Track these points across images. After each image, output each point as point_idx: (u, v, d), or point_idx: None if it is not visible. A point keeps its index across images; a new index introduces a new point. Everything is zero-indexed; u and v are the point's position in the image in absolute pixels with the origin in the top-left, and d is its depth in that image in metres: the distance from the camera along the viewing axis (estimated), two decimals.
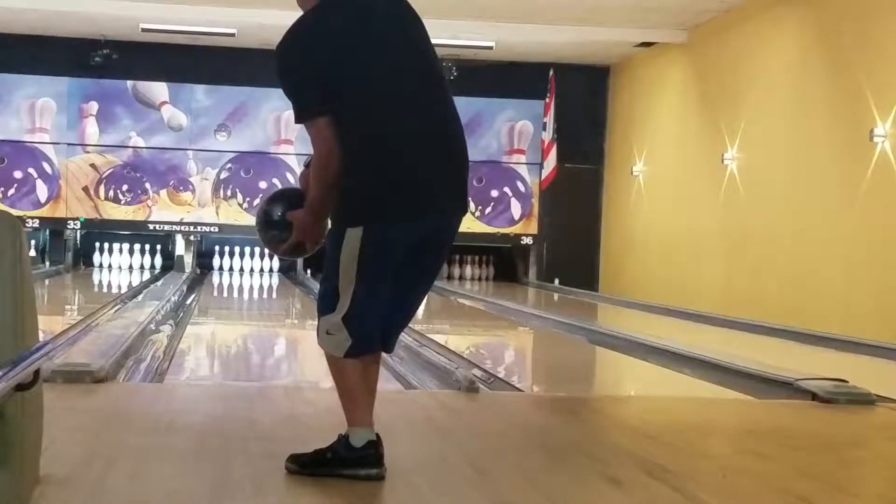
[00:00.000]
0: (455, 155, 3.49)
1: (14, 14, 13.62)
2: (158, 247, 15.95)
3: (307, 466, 3.33)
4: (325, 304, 3.32)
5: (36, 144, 15.25)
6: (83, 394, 4.68)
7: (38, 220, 15.15)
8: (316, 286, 13.36)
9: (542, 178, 15.58)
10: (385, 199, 3.23)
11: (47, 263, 15.25)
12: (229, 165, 15.51)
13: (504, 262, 16.51)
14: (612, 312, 12.48)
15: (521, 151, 16.05)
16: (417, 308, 3.59)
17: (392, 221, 3.25)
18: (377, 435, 3.33)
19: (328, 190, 3.24)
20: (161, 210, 15.50)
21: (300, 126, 3.30)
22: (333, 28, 3.31)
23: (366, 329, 3.31)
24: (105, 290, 13.52)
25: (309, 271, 15.41)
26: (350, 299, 3.26)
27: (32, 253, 14.67)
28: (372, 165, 3.23)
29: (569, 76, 15.52)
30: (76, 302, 12.20)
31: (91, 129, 15.39)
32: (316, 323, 3.36)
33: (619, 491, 3.34)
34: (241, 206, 15.48)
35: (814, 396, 5.23)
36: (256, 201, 15.48)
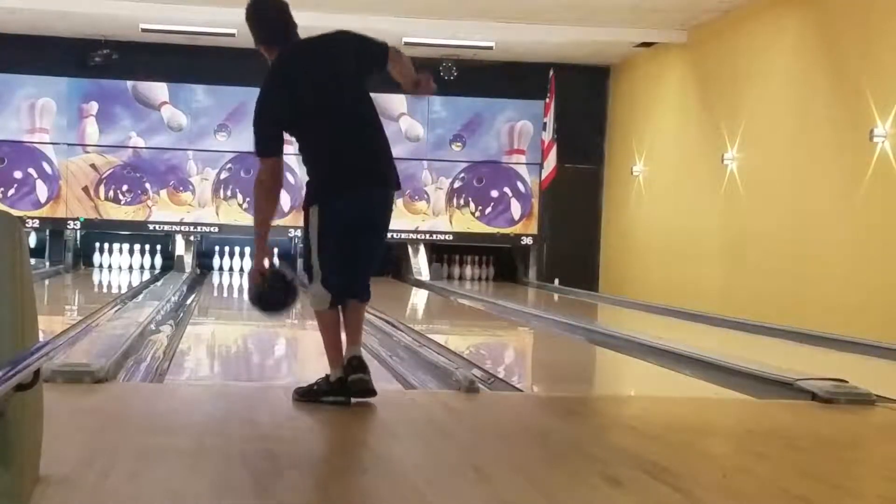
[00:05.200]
0: (372, 152, 4.72)
1: (14, 14, 13.62)
2: (158, 247, 15.94)
3: (303, 396, 4.64)
4: (308, 276, 4.66)
5: (36, 144, 15.25)
6: (83, 394, 4.68)
7: (38, 220, 15.15)
8: None
9: (542, 178, 15.59)
10: (330, 184, 4.63)
11: (47, 263, 15.25)
12: (229, 165, 15.52)
13: (504, 262, 16.51)
14: (612, 312, 12.48)
15: (521, 151, 16.05)
16: (374, 261, 4.78)
17: (336, 197, 4.60)
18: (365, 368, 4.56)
19: (268, 210, 4.73)
20: (161, 210, 15.51)
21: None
22: (285, 83, 4.65)
23: (337, 282, 4.59)
24: (105, 290, 13.52)
25: None
26: (321, 265, 4.57)
27: (32, 246, 14.67)
28: (322, 166, 4.68)
29: (569, 76, 15.52)
30: (76, 302, 12.20)
31: (91, 129, 15.39)
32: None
33: (619, 491, 3.34)
34: (241, 206, 15.48)
35: (814, 396, 5.23)
36: None
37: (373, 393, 4.57)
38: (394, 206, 4.84)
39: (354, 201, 4.61)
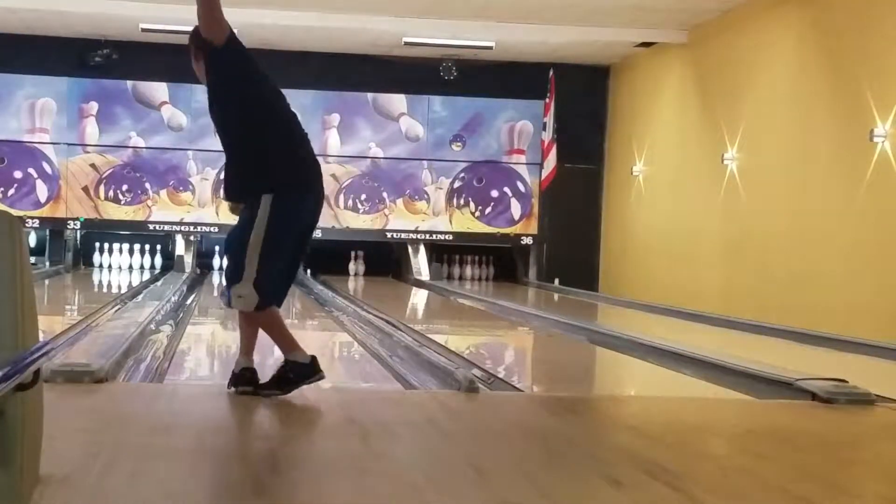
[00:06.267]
0: (313, 155, 4.69)
1: (14, 14, 13.62)
2: (158, 247, 15.95)
3: (281, 387, 4.57)
4: (234, 274, 4.44)
5: (36, 144, 15.25)
6: (83, 394, 4.68)
7: (38, 220, 15.15)
8: (316, 286, 13.41)
9: (542, 178, 15.59)
10: (294, 176, 4.50)
11: (47, 263, 15.25)
12: None
13: (504, 262, 16.51)
14: (612, 312, 12.48)
15: (521, 151, 16.05)
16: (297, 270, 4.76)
17: (297, 193, 4.46)
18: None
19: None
20: (161, 210, 15.51)
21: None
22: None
23: (270, 287, 4.45)
24: (105, 290, 13.52)
25: (309, 271, 15.43)
26: (258, 267, 4.38)
27: (32, 246, 14.67)
28: (283, 153, 4.48)
29: (569, 76, 15.52)
30: (76, 302, 12.19)
31: (91, 129, 15.39)
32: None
33: (619, 491, 3.34)
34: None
35: (814, 396, 5.23)
36: None
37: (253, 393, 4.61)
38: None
39: (312, 201, 4.55)
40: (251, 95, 4.49)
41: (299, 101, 15.77)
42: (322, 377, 4.62)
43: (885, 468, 4.13)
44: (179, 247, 15.64)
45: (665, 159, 14.24)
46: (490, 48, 14.55)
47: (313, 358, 4.59)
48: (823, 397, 5.18)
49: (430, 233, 15.92)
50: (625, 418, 5.11)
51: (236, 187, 4.60)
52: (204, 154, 15.47)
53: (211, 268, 15.85)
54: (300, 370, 4.57)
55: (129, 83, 15.31)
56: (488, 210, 16.02)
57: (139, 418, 4.30)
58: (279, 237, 4.39)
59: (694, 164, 13.20)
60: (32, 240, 15.06)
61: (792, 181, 10.78)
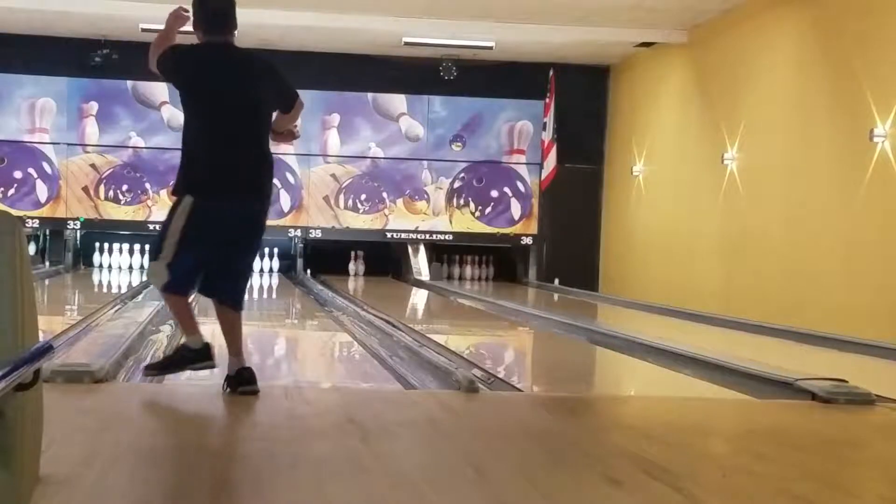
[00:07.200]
0: (252, 165, 4.88)
1: (14, 14, 13.62)
2: None
3: (167, 368, 4.98)
4: (154, 251, 4.90)
5: (36, 144, 15.25)
6: (83, 394, 4.68)
7: (38, 220, 15.15)
8: (316, 286, 13.41)
9: (542, 178, 15.59)
10: (209, 182, 4.78)
11: (47, 263, 15.25)
12: None
13: (504, 262, 16.51)
14: (612, 312, 12.48)
15: (521, 151, 16.05)
16: (239, 269, 5.02)
17: (209, 197, 4.75)
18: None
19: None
20: (161, 210, 15.46)
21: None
22: (202, 56, 4.91)
23: (180, 274, 4.77)
24: (105, 290, 13.52)
25: (309, 271, 15.44)
26: (173, 253, 4.75)
27: (32, 251, 14.67)
28: (202, 160, 4.78)
29: (569, 76, 15.52)
30: (76, 302, 12.19)
31: (91, 129, 15.39)
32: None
33: (619, 491, 3.34)
34: None
35: (813, 396, 5.23)
36: None
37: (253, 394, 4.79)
38: (265, 219, 5.00)
39: (231, 208, 4.78)
40: (187, 106, 4.88)
41: None
42: (211, 366, 4.90)
43: (885, 468, 4.13)
44: None
45: (665, 159, 14.24)
46: (490, 48, 14.55)
47: (207, 345, 4.86)
48: (823, 397, 5.19)
49: (430, 233, 15.93)
50: (625, 418, 5.11)
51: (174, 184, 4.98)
52: None
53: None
54: (191, 353, 4.87)
55: (129, 83, 15.30)
56: (488, 210, 16.02)
57: (139, 418, 4.30)
58: (191, 233, 4.73)
59: (694, 164, 13.20)
60: (32, 248, 15.04)
61: (792, 181, 10.78)
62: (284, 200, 15.47)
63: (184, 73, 4.89)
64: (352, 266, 16.38)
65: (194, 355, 4.85)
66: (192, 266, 4.82)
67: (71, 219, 15.29)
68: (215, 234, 4.77)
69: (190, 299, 5.15)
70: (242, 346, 4.93)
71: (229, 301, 4.96)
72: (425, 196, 15.92)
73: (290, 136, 5.22)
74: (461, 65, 15.25)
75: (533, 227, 16.07)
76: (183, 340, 4.96)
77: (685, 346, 7.20)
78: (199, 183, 4.79)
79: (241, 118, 4.85)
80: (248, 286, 5.37)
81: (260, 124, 4.93)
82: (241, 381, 4.76)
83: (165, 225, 4.86)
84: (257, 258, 15.93)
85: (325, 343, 8.69)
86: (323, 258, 15.74)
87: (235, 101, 4.82)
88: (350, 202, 15.76)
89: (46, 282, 13.23)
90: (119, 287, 13.35)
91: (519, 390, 5.91)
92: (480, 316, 11.63)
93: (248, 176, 4.85)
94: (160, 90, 15.40)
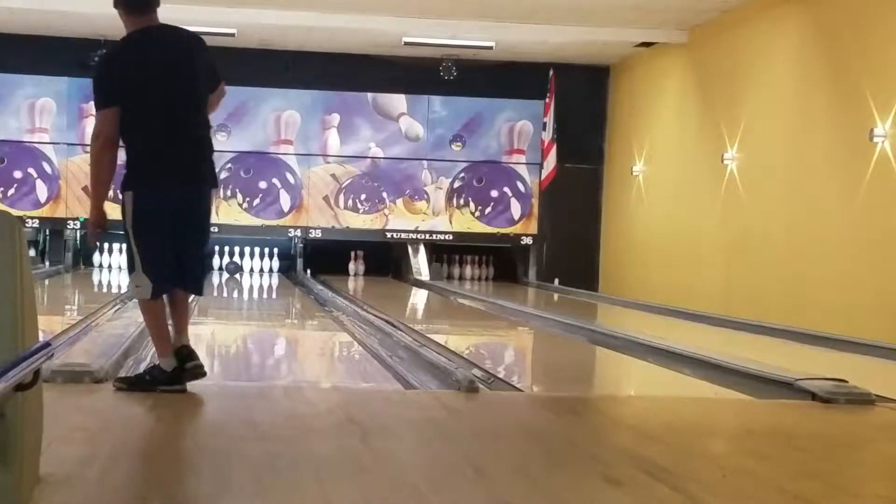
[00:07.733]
0: (198, 150, 4.92)
1: (14, 14, 13.61)
2: None
3: (135, 385, 4.81)
4: (129, 265, 4.91)
5: (36, 144, 15.25)
6: (83, 394, 4.68)
7: (38, 220, 15.14)
8: (315, 286, 13.42)
9: (542, 178, 15.59)
10: (152, 173, 4.90)
11: (47, 263, 15.24)
12: (229, 165, 15.47)
13: (504, 262, 16.51)
14: (612, 312, 12.48)
15: (520, 151, 16.05)
16: (196, 255, 4.96)
17: (154, 187, 4.88)
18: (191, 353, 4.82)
19: (110, 166, 5.13)
20: None
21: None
22: (139, 51, 5.03)
23: (158, 272, 4.76)
24: (105, 290, 13.52)
25: (309, 271, 15.43)
26: (141, 256, 4.80)
27: (32, 253, 14.67)
28: (146, 153, 4.92)
29: (569, 76, 15.51)
30: (76, 302, 12.19)
31: (90, 129, 15.36)
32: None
33: (619, 491, 3.34)
34: (241, 206, 15.47)
35: (814, 396, 5.23)
36: (256, 201, 15.51)
37: (204, 375, 4.86)
38: (212, 203, 5.09)
39: (171, 194, 4.84)
40: (125, 106, 4.94)
41: (299, 100, 15.81)
42: (182, 390, 4.78)
43: (885, 468, 4.13)
44: None
45: (665, 159, 14.24)
46: (490, 48, 14.54)
47: (177, 369, 4.79)
48: (823, 397, 5.19)
49: (430, 233, 15.92)
50: (625, 418, 5.11)
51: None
52: None
53: (210, 268, 15.83)
54: (161, 375, 4.82)
55: None
56: (488, 210, 16.02)
57: (139, 418, 4.30)
58: (144, 226, 4.83)
59: (694, 164, 13.20)
60: (32, 252, 15.04)
61: (792, 181, 10.77)
62: (284, 200, 15.47)
63: (128, 92, 4.92)
64: (352, 266, 16.38)
65: (166, 377, 4.82)
66: (163, 259, 4.83)
67: (71, 219, 15.28)
68: (164, 221, 4.82)
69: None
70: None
71: (194, 288, 5.03)
72: (425, 196, 15.92)
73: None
74: (461, 65, 15.24)
75: (533, 227, 16.07)
76: (157, 361, 4.93)
77: (685, 346, 7.20)
78: (133, 175, 4.91)
79: (180, 104, 4.88)
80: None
81: (198, 107, 4.96)
82: (184, 359, 4.82)
83: (126, 235, 4.95)
84: (257, 258, 16.08)
85: (325, 343, 8.69)
86: (323, 258, 15.73)
87: (175, 87, 4.86)
88: (350, 202, 15.76)
89: (46, 282, 13.23)
90: (119, 287, 13.33)
91: (519, 390, 5.91)
92: (480, 316, 11.63)
93: (190, 162, 4.89)
94: None
